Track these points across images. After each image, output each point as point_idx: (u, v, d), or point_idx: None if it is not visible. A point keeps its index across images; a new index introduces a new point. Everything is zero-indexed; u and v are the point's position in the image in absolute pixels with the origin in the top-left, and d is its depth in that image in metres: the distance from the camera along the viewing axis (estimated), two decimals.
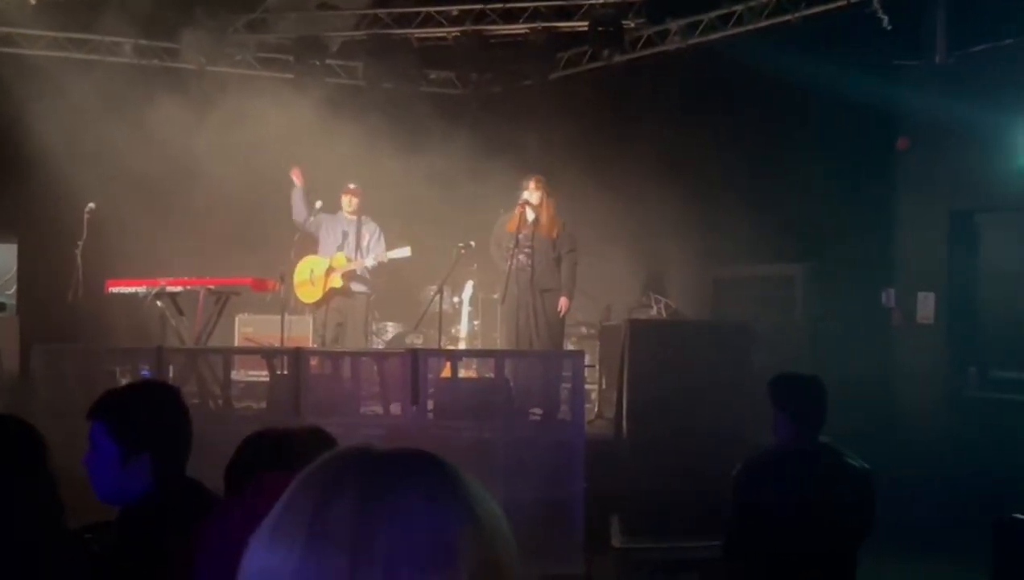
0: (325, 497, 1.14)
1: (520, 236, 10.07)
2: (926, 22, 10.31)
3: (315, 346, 10.75)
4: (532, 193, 10.08)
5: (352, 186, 11.01)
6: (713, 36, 12.03)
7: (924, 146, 10.62)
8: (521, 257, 10.07)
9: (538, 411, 9.11)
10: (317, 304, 11.03)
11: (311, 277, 10.97)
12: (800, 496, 4.83)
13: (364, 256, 10.87)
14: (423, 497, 1.14)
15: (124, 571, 2.48)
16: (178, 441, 3.16)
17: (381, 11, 12.89)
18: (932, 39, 10.29)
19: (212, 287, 10.46)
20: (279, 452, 2.69)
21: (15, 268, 11.64)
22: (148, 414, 3.15)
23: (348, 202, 11.01)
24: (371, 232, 11.01)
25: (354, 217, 11.02)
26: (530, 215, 10.09)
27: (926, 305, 10.68)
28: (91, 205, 10.56)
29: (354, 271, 10.86)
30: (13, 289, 11.50)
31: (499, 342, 11.17)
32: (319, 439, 2.84)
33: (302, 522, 1.13)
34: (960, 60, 10.10)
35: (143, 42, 12.44)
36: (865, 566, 4.96)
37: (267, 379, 9.53)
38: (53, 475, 2.40)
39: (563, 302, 10.08)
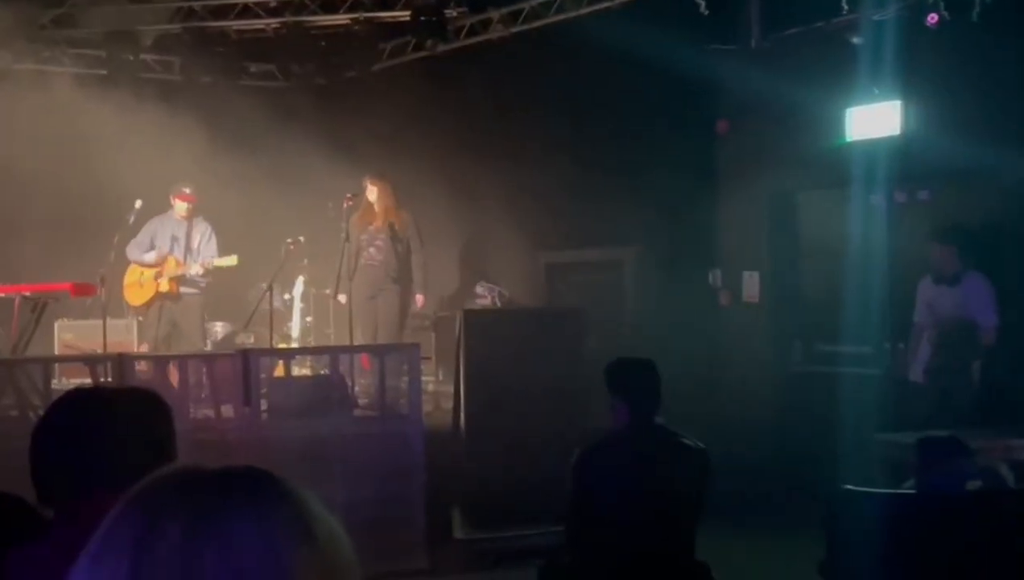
0: (151, 523, 1.06)
1: (370, 229, 10.25)
2: (741, 6, 10.56)
3: (141, 350, 10.43)
4: (370, 190, 10.24)
5: (187, 191, 10.72)
6: (536, 24, 12.08)
7: (743, 128, 10.88)
8: (372, 250, 10.22)
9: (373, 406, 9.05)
10: (145, 305, 10.74)
11: (140, 279, 10.74)
12: (639, 477, 4.89)
13: (194, 258, 10.62)
14: (254, 520, 1.08)
15: None
16: None
17: (196, 3, 12.53)
18: (747, 23, 10.55)
19: (28, 294, 10.01)
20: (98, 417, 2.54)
21: None
22: None
23: (179, 206, 10.76)
24: (202, 233, 10.80)
25: (185, 220, 10.76)
26: (376, 207, 10.20)
27: (751, 284, 10.96)
28: None
29: (183, 275, 10.61)
30: None
31: (334, 338, 11.06)
32: (144, 401, 2.68)
33: (126, 550, 1.06)
34: (775, 43, 10.38)
35: None
36: (701, 542, 5.04)
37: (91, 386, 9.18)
38: None
39: (420, 299, 10.32)
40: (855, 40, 9.41)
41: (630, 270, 11.38)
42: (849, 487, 5.08)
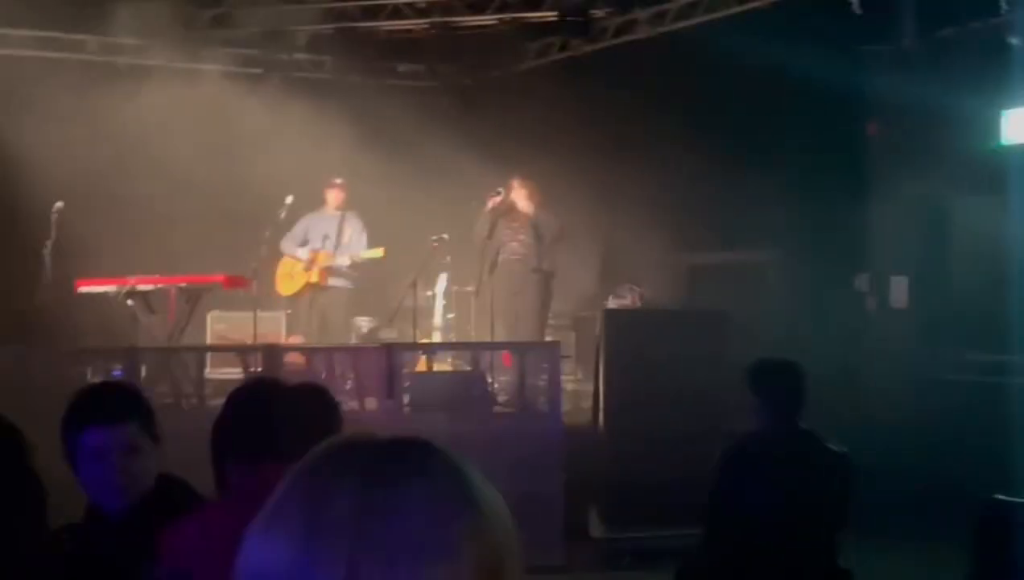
0: (324, 487, 1.10)
1: (513, 226, 10.38)
2: (894, 6, 10.32)
3: (288, 342, 10.70)
4: (517, 191, 10.32)
5: (338, 181, 11.07)
6: (682, 24, 12.01)
7: (895, 131, 10.63)
8: (514, 244, 10.30)
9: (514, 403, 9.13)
10: (295, 297, 11.08)
11: (291, 270, 11.10)
12: (781, 482, 4.82)
13: (343, 253, 10.89)
14: (424, 487, 1.10)
15: (118, 570, 2.44)
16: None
17: (348, 3, 12.80)
18: (900, 23, 10.30)
19: (183, 285, 10.36)
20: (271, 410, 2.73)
21: None
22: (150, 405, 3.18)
23: (332, 197, 11.07)
24: (353, 228, 11.09)
25: (337, 213, 11.06)
26: (520, 205, 10.27)
27: (899, 289, 10.71)
28: (59, 204, 10.44)
29: (331, 267, 10.87)
30: None
31: (475, 335, 11.17)
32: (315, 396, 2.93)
33: (300, 513, 1.09)
34: (929, 44, 10.12)
35: (109, 39, 12.30)
36: (844, 549, 4.96)
37: (240, 376, 9.46)
38: (37, 474, 2.37)
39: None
40: (1013, 40, 9.11)
41: (774, 272, 11.22)
42: (1001, 497, 4.94)
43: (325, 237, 11.03)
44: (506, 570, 1.12)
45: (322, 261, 10.94)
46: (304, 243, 11.06)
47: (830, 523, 4.94)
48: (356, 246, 10.96)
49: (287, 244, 11.07)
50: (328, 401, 3.18)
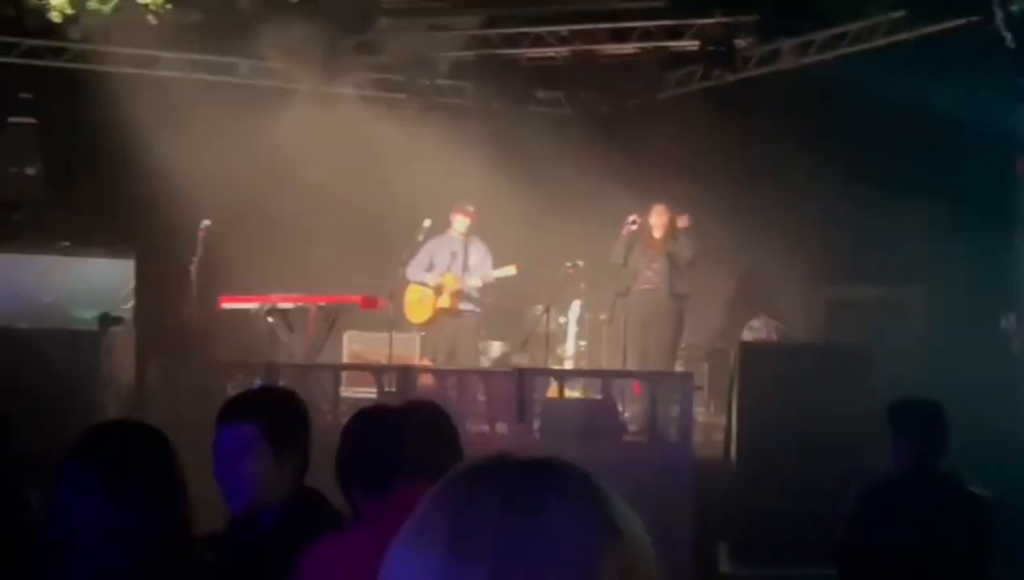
0: (466, 505, 1.11)
1: (649, 253, 10.36)
2: None
3: (423, 364, 10.81)
4: (658, 216, 10.29)
5: (470, 208, 10.95)
6: (826, 55, 11.85)
7: None
8: (648, 273, 10.26)
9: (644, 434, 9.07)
10: (426, 324, 11.09)
11: (420, 297, 11.04)
12: (919, 525, 4.69)
13: (471, 276, 10.88)
14: (567, 509, 1.11)
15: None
16: (308, 446, 3.17)
17: (491, 31, 12.96)
18: None
19: (322, 304, 10.57)
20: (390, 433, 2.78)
21: (133, 283, 11.91)
22: (295, 416, 3.19)
23: (459, 222, 10.99)
24: (479, 253, 10.99)
25: (463, 238, 11.02)
26: (656, 233, 10.24)
27: None
28: (206, 222, 10.74)
29: (461, 291, 10.88)
30: (131, 304, 11.77)
31: (606, 363, 11.14)
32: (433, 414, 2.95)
33: (442, 530, 1.10)
34: None
35: (258, 63, 12.68)
36: None
37: (375, 396, 9.59)
38: (184, 483, 2.44)
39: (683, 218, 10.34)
40: None
41: (916, 309, 10.93)
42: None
43: (452, 256, 10.94)
44: None
45: (451, 285, 10.87)
46: (430, 268, 10.98)
47: (969, 571, 4.78)
48: (483, 268, 10.93)
49: (413, 271, 10.98)
50: (440, 415, 3.18)
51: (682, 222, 10.41)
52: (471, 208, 10.98)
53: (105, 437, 2.46)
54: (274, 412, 3.16)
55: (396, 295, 10.91)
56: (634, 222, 10.33)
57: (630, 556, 1.11)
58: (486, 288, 10.93)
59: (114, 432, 2.52)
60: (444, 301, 10.90)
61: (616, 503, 1.14)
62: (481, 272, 10.86)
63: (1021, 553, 5.54)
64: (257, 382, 9.29)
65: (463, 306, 10.94)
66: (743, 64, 12.42)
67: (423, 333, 11.33)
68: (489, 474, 1.14)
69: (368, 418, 3.07)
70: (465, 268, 10.92)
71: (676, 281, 10.33)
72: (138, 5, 10.22)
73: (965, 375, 9.52)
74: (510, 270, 10.74)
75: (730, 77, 12.34)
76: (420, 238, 10.99)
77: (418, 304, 11.07)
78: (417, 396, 8.85)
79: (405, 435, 2.68)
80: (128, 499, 2.32)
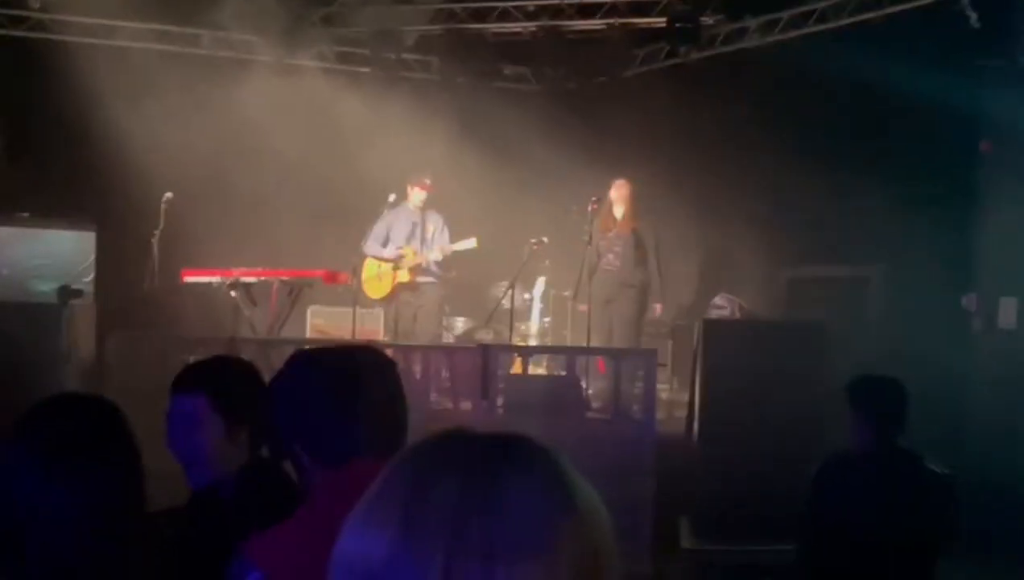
0: (423, 480, 1.10)
1: (609, 236, 10.26)
2: (1012, 21, 10.07)
3: (386, 339, 10.78)
4: (618, 191, 10.25)
5: (427, 181, 10.90)
6: (792, 34, 11.87)
7: (1008, 148, 10.37)
8: (610, 256, 10.25)
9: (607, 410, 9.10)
10: (385, 299, 11.05)
11: (379, 272, 11.00)
12: (878, 501, 4.73)
13: (429, 249, 10.85)
14: (527, 483, 1.10)
15: (208, 554, 2.45)
16: (266, 416, 3.11)
17: (457, 5, 12.89)
18: (1018, 38, 10.05)
19: (285, 278, 10.52)
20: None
21: (93, 256, 11.79)
22: (246, 385, 3.12)
23: (417, 195, 10.93)
24: (435, 224, 10.95)
25: (420, 211, 10.96)
26: (617, 213, 10.23)
27: (1008, 310, 10.44)
28: (168, 195, 10.66)
29: (420, 265, 10.86)
30: (91, 277, 11.66)
31: (570, 339, 11.16)
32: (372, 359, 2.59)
33: (398, 505, 1.09)
34: None
35: (221, 34, 12.56)
36: (944, 577, 4.84)
37: None
38: (138, 457, 2.40)
39: (658, 308, 10.37)
40: None
41: (876, 288, 11.01)
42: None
43: (410, 230, 10.93)
44: (603, 571, 1.12)
45: (410, 259, 10.84)
46: (387, 242, 10.95)
47: (928, 547, 4.82)
48: (441, 240, 10.86)
49: (370, 245, 10.95)
50: (387, 365, 2.68)
51: (658, 312, 10.50)
52: (428, 181, 10.91)
53: (48, 415, 2.40)
54: (224, 382, 3.11)
55: (360, 270, 10.87)
56: (596, 202, 10.31)
57: (589, 531, 1.11)
58: (446, 261, 10.88)
59: (59, 408, 2.44)
60: (403, 275, 10.86)
61: (575, 479, 1.13)
62: (440, 244, 10.82)
63: (977, 529, 5.59)
64: None
65: (421, 279, 10.90)
66: (709, 42, 12.42)
67: (384, 308, 11.29)
68: (448, 450, 1.13)
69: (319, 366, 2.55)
70: (423, 241, 10.88)
71: (635, 267, 10.30)
72: None
73: (925, 353, 9.61)
74: (470, 242, 10.70)
75: (696, 55, 12.34)
76: (384, 212, 10.95)
77: (376, 279, 11.02)
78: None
79: (363, 396, 2.52)
80: (73, 478, 2.27)
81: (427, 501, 1.08)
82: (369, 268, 11.04)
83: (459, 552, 1.06)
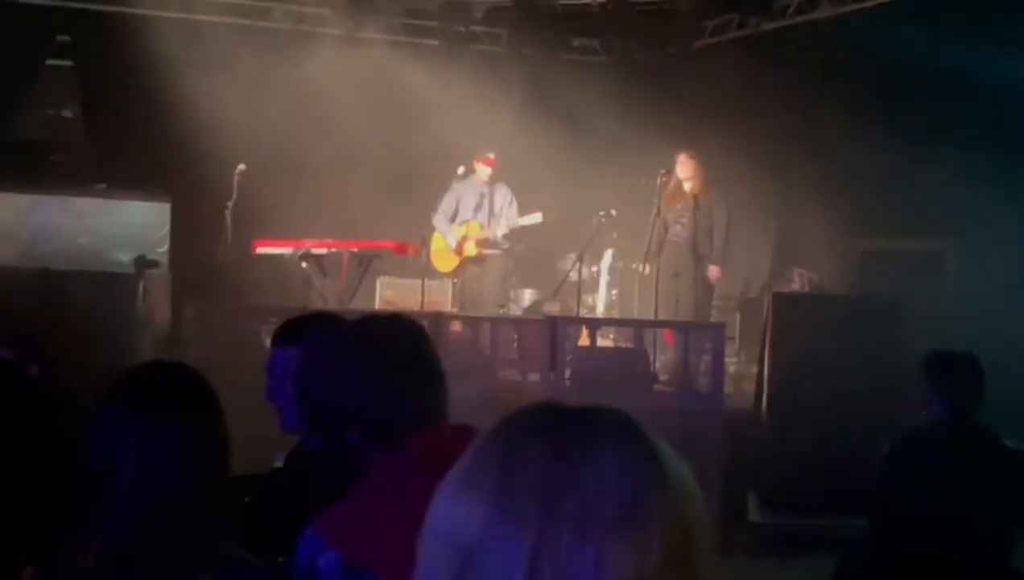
0: (516, 450, 1.12)
1: (678, 207, 10.19)
2: None
3: (455, 310, 10.85)
4: (683, 166, 10.18)
5: (491, 156, 10.93)
6: (864, 4, 11.68)
7: None
8: (678, 227, 10.21)
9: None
10: (454, 272, 11.13)
11: (447, 246, 11.07)
12: (951, 477, 4.69)
13: (497, 223, 10.90)
14: (618, 456, 1.11)
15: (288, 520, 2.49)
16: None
17: None
18: None
19: (356, 250, 10.61)
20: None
21: (168, 227, 11.98)
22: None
23: (483, 171, 10.99)
24: (503, 198, 11.00)
25: (487, 185, 11.02)
26: (685, 186, 10.18)
27: None
28: (241, 166, 10.78)
29: (487, 239, 10.91)
30: (166, 247, 11.83)
31: (638, 312, 11.14)
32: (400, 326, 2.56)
33: (492, 475, 1.11)
34: None
35: (292, 7, 12.64)
36: (1018, 551, 4.79)
37: None
38: (223, 423, 2.46)
39: (714, 270, 10.21)
40: None
41: (951, 262, 10.86)
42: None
43: (478, 204, 10.98)
44: (694, 547, 1.12)
45: (476, 233, 10.90)
46: (455, 215, 11.04)
47: (1002, 523, 4.78)
48: (508, 215, 10.91)
49: (439, 220, 11.05)
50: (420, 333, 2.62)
51: (714, 275, 10.34)
52: (492, 155, 10.94)
53: (143, 378, 2.49)
54: (315, 336, 3.18)
55: (429, 242, 10.93)
56: (666, 174, 10.27)
57: (680, 507, 1.11)
58: (513, 234, 10.92)
59: (152, 372, 2.54)
60: (470, 249, 10.94)
61: (668, 454, 1.14)
62: (507, 218, 10.87)
63: None
64: None
65: (488, 252, 10.97)
66: (780, 12, 12.27)
67: (456, 280, 11.36)
68: (538, 422, 1.14)
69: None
70: (491, 214, 10.95)
71: (701, 240, 10.23)
72: None
73: (1001, 328, 9.47)
74: (536, 217, 10.74)
75: (767, 26, 12.20)
76: (455, 185, 10.99)
77: (445, 253, 11.12)
78: (449, 341, 8.90)
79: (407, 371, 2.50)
80: (165, 439, 2.34)
81: (519, 473, 1.10)
82: (438, 241, 11.11)
83: (551, 524, 1.07)
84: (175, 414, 2.38)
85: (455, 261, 11.03)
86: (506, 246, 10.97)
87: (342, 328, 2.60)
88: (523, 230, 10.89)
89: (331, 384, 2.45)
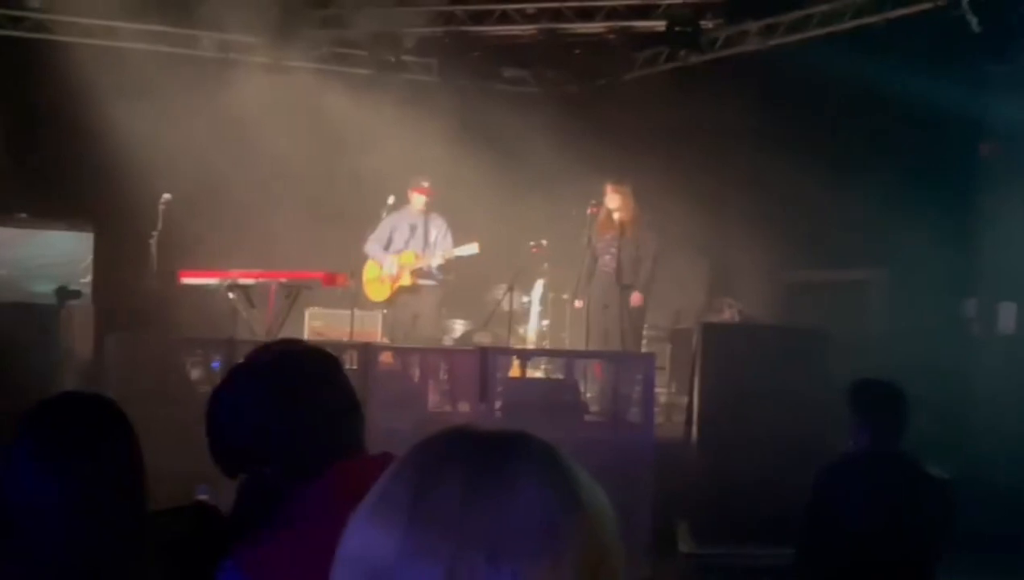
0: (430, 476, 1.10)
1: (607, 237, 10.16)
2: (1013, 25, 10.06)
3: (384, 341, 10.77)
4: (611, 197, 10.21)
5: (425, 185, 10.92)
6: (793, 38, 11.86)
7: (1008, 152, 10.36)
8: (606, 257, 10.22)
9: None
10: (386, 302, 11.06)
11: (380, 275, 10.99)
12: (878, 503, 4.71)
13: (432, 253, 10.84)
14: (532, 481, 1.09)
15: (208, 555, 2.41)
16: None
17: (457, 8, 12.88)
18: (1019, 42, 10.04)
19: (283, 280, 10.49)
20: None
21: (91, 257, 11.79)
22: None
23: (417, 200, 10.96)
24: (438, 228, 10.97)
25: (422, 214, 10.98)
26: (615, 217, 10.21)
27: (1007, 315, 10.43)
28: (166, 196, 10.64)
29: (422, 269, 10.85)
30: (89, 277, 11.65)
31: (569, 342, 11.14)
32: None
33: (405, 501, 1.09)
34: None
35: (221, 36, 12.54)
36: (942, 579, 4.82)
37: None
38: (140, 456, 2.40)
39: (635, 296, 10.21)
40: None
41: (876, 293, 11.01)
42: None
43: (411, 232, 10.94)
44: (608, 570, 1.11)
45: (411, 262, 10.85)
46: (388, 244, 10.99)
47: (927, 551, 4.81)
48: (443, 245, 10.89)
49: (372, 247, 10.99)
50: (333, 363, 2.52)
51: (635, 301, 10.34)
52: (426, 184, 10.93)
53: (54, 411, 2.42)
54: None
55: (359, 272, 10.86)
56: (596, 205, 10.30)
57: (595, 530, 1.10)
58: (447, 265, 10.89)
59: (64, 405, 2.46)
60: (404, 279, 10.86)
61: (581, 476, 1.13)
62: (442, 249, 10.83)
63: (978, 533, 5.58)
64: (216, 359, 9.23)
65: (422, 282, 10.92)
66: (709, 45, 12.41)
67: (386, 310, 11.29)
68: (452, 447, 1.13)
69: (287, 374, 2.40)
70: (425, 244, 10.90)
71: (627, 271, 10.24)
72: None
73: (925, 358, 9.60)
74: (472, 248, 10.70)
75: (696, 58, 12.34)
76: (384, 215, 10.95)
77: (377, 282, 11.04)
78: (379, 373, 8.82)
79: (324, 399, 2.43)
80: (76, 473, 2.28)
81: (432, 498, 1.08)
82: (370, 270, 11.05)
83: (464, 548, 1.05)
84: (85, 447, 2.32)
85: (388, 290, 10.95)
86: (440, 278, 10.91)
87: (251, 362, 2.50)
88: (457, 261, 10.85)
89: (241, 420, 2.37)
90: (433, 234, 10.94)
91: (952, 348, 10.39)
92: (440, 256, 10.77)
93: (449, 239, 10.91)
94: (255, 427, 2.33)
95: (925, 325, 10.24)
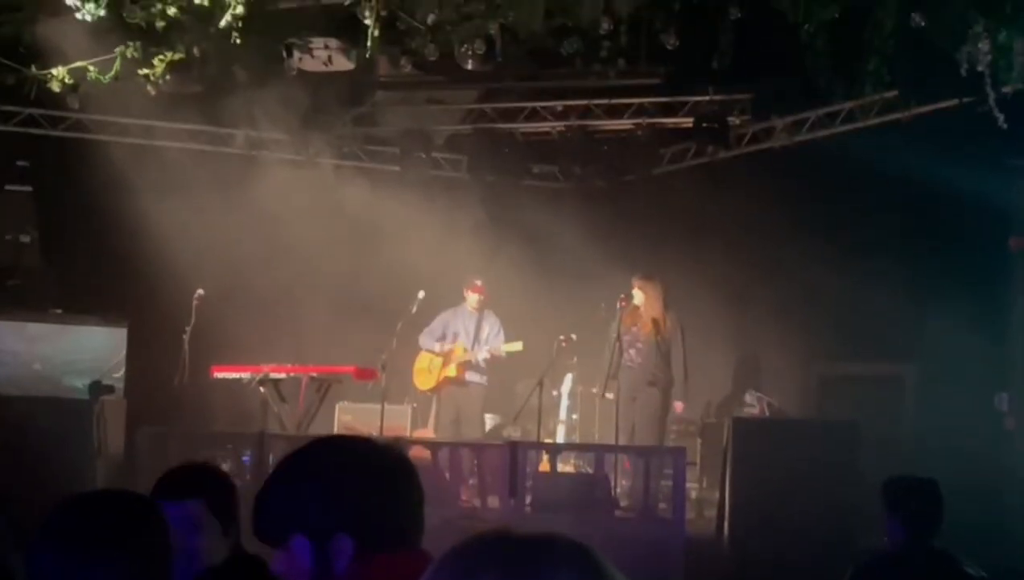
0: (469, 574, 1.10)
1: (633, 330, 10.22)
2: None
3: (419, 434, 10.80)
4: (637, 293, 10.22)
5: (478, 283, 11.25)
6: (820, 133, 11.96)
7: None
8: (632, 352, 10.19)
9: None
10: (432, 390, 11.32)
11: (429, 365, 11.32)
12: None
13: (481, 348, 11.10)
14: None
15: None
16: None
17: (487, 106, 13.08)
18: None
19: (314, 374, 10.56)
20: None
21: (124, 352, 11.88)
22: (232, 487, 3.38)
23: (471, 298, 11.28)
24: (491, 325, 11.30)
25: (476, 312, 11.30)
26: (642, 312, 10.21)
27: None
28: (200, 291, 10.74)
29: (469, 362, 11.06)
30: (122, 372, 11.73)
31: (598, 436, 11.08)
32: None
33: None
34: None
35: (254, 133, 12.75)
36: None
37: None
38: (170, 549, 2.40)
39: (679, 406, 10.21)
40: None
41: (909, 386, 10.92)
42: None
43: (464, 329, 11.26)
44: None
45: (459, 356, 11.13)
46: (442, 338, 11.29)
47: None
48: (494, 342, 11.16)
49: (425, 339, 11.31)
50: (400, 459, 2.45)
51: (679, 410, 10.39)
52: (479, 282, 11.26)
53: (76, 511, 2.40)
54: (216, 484, 3.33)
55: (390, 367, 10.88)
56: (624, 299, 10.31)
57: None
58: (493, 361, 11.13)
59: (87, 504, 2.44)
60: (451, 370, 11.16)
61: (615, 577, 1.13)
62: (491, 345, 11.10)
63: None
64: (247, 453, 9.24)
65: (469, 377, 11.20)
66: (736, 141, 12.53)
67: (415, 404, 11.37)
68: (490, 550, 1.14)
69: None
70: (476, 340, 11.18)
71: (656, 364, 10.18)
72: (137, 75, 10.30)
73: (959, 452, 9.50)
74: (517, 346, 11.02)
75: (723, 154, 12.44)
76: (414, 310, 11.01)
77: (426, 371, 11.35)
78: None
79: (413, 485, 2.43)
80: (103, 572, 2.27)
81: None
82: (421, 361, 11.38)
83: None
84: (113, 546, 2.31)
85: (434, 380, 11.25)
86: (485, 376, 11.19)
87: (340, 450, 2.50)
88: (503, 359, 11.07)
89: (356, 492, 2.34)
90: (486, 331, 11.26)
91: (985, 442, 10.29)
92: (487, 350, 11.01)
93: (501, 337, 11.22)
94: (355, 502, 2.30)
95: (958, 419, 10.15)
